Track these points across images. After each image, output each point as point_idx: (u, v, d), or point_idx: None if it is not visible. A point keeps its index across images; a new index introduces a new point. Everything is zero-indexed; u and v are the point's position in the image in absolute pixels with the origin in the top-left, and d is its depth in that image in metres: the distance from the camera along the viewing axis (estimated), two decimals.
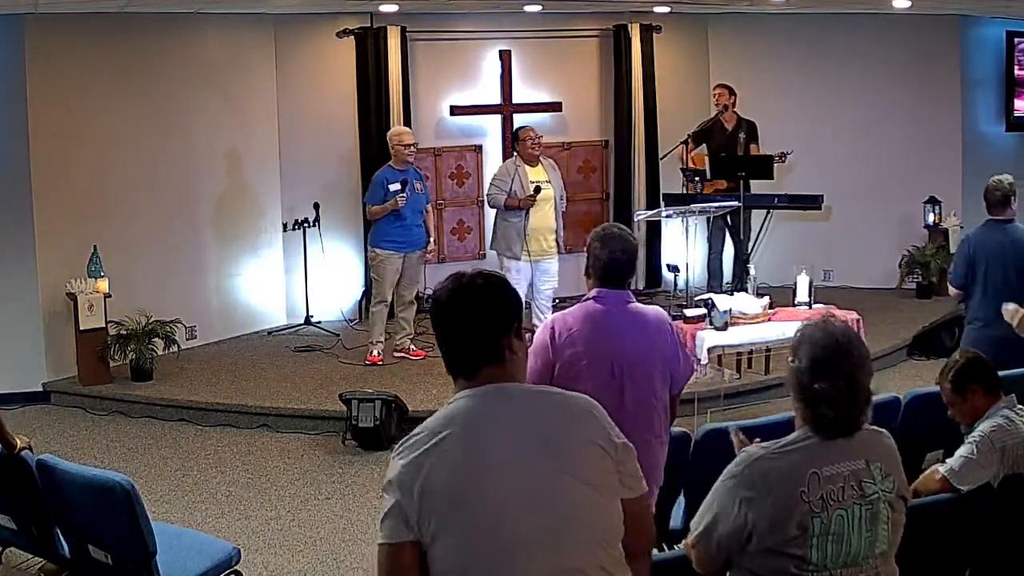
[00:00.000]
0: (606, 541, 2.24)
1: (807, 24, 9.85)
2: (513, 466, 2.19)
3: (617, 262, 3.72)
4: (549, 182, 8.07)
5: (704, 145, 9.02)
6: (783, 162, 8.84)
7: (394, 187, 7.74)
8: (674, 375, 3.84)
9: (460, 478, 2.17)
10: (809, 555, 2.47)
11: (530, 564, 2.15)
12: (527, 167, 7.99)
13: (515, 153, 8.18)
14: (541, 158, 8.09)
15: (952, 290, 5.94)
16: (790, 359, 2.62)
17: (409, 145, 7.90)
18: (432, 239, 8.23)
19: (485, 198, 8.45)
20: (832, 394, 2.50)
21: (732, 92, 8.97)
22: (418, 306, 8.48)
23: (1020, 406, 3.89)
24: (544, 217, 7.96)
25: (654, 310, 3.88)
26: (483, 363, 2.32)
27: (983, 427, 3.81)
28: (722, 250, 9.19)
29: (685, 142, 9.00)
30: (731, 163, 8.71)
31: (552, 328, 3.75)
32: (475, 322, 2.34)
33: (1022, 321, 4.94)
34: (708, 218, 8.88)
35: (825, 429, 2.53)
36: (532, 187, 7.86)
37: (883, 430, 2.66)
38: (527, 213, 7.84)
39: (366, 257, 8.64)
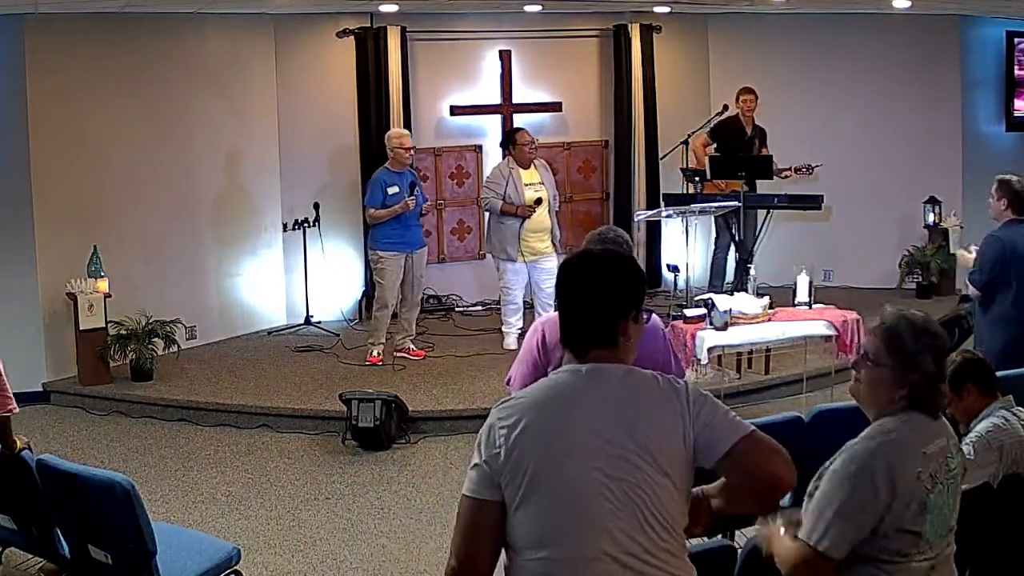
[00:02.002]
0: (673, 528, 2.29)
1: (807, 24, 9.85)
2: (599, 447, 2.24)
3: None
4: (542, 183, 8.10)
5: (715, 144, 9.03)
6: (810, 174, 8.85)
7: (392, 190, 7.74)
8: None
9: (548, 451, 2.23)
10: (925, 531, 2.55)
11: (603, 542, 2.21)
12: (520, 169, 8.01)
13: (508, 155, 8.19)
14: (534, 160, 8.12)
15: (974, 290, 5.75)
16: (894, 353, 2.61)
17: (409, 149, 7.91)
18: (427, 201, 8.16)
19: (479, 201, 8.44)
20: (944, 376, 2.68)
21: (757, 97, 8.98)
22: (420, 307, 8.49)
23: (1018, 407, 3.90)
24: (538, 218, 7.98)
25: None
26: (594, 346, 2.35)
27: (980, 428, 3.82)
28: (728, 248, 9.19)
29: (685, 142, 9.00)
30: (732, 163, 8.71)
31: (541, 332, 3.73)
32: (594, 303, 2.36)
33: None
34: (717, 218, 8.88)
35: (937, 408, 2.65)
36: (527, 191, 7.93)
37: None
38: (521, 217, 7.89)
39: (366, 260, 8.64)
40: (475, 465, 2.28)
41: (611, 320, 2.35)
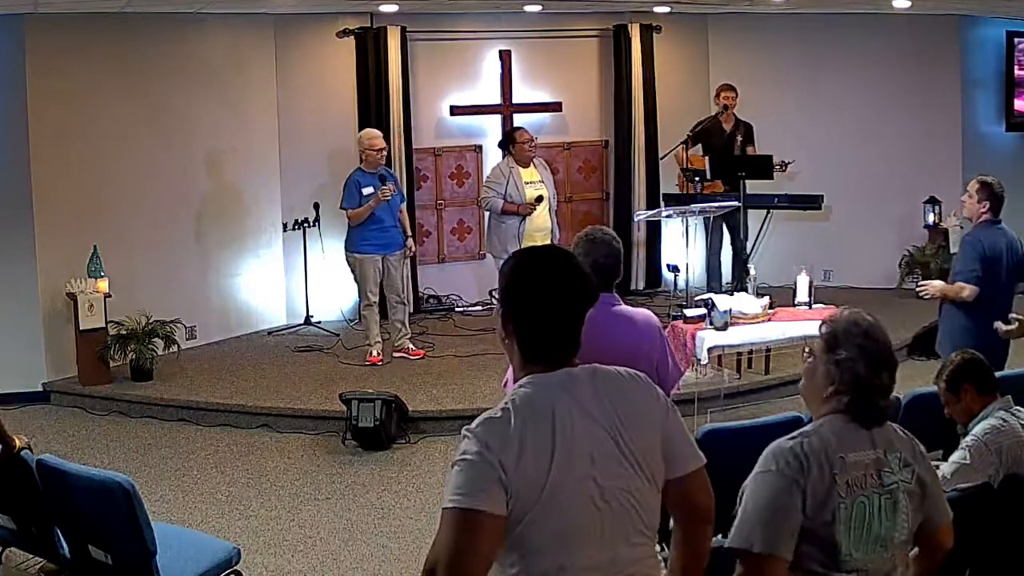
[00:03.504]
0: (654, 531, 2.27)
1: (807, 24, 9.85)
2: (589, 456, 2.17)
3: (601, 266, 3.73)
4: (542, 182, 8.12)
5: (700, 145, 9.02)
6: (784, 171, 8.87)
7: (367, 190, 7.73)
8: (662, 377, 3.84)
9: (541, 463, 2.13)
10: (838, 541, 2.48)
11: (594, 552, 2.17)
12: (520, 168, 8.03)
13: (508, 154, 8.20)
14: (533, 159, 8.13)
15: (971, 289, 5.52)
16: (829, 352, 2.57)
17: (381, 150, 7.90)
18: (410, 237, 8.17)
19: (480, 201, 8.45)
20: (887, 385, 2.57)
21: (736, 93, 8.99)
22: (416, 306, 8.49)
23: (1017, 407, 3.90)
24: (539, 218, 8.00)
25: (642, 313, 3.88)
26: (571, 354, 2.24)
27: (976, 430, 3.83)
28: (720, 249, 9.19)
29: (685, 142, 9.00)
30: (731, 163, 8.72)
31: None
32: (573, 306, 2.22)
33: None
34: (706, 219, 8.89)
35: (870, 419, 2.56)
36: (527, 189, 7.95)
37: (897, 425, 2.68)
38: (522, 215, 7.90)
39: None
40: (470, 479, 2.09)
41: (581, 321, 2.24)
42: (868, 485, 2.51)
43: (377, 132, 8.12)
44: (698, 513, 2.35)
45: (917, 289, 5.96)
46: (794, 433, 2.58)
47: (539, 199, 7.96)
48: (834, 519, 2.47)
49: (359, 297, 8.20)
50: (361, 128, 9.11)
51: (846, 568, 2.50)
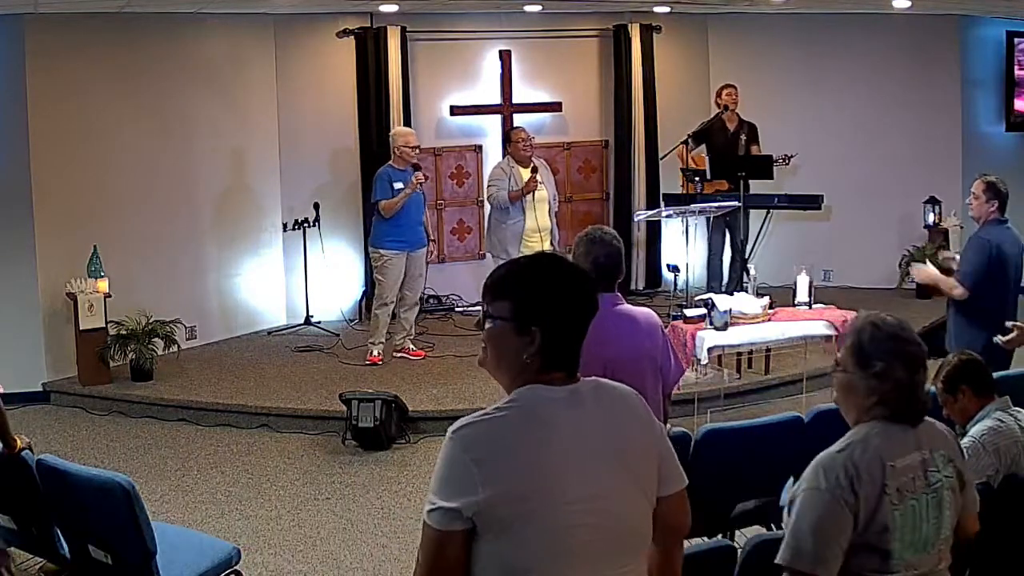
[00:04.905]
0: (642, 552, 2.24)
1: (807, 24, 9.85)
2: (583, 475, 2.11)
3: (601, 266, 3.73)
4: (542, 182, 8.12)
5: (703, 146, 9.02)
6: (787, 164, 8.87)
7: (398, 186, 7.75)
8: (665, 375, 3.86)
9: (529, 483, 2.07)
10: (892, 548, 2.48)
11: (595, 571, 2.12)
12: (520, 168, 8.04)
13: (507, 154, 8.20)
14: (532, 158, 8.14)
15: (962, 291, 5.56)
16: (864, 368, 2.55)
17: (415, 147, 7.93)
18: (432, 237, 8.21)
19: (485, 199, 8.44)
20: (918, 384, 2.53)
21: (736, 90, 9.00)
22: (420, 307, 8.49)
23: (1015, 408, 3.91)
24: (539, 218, 8.00)
25: (644, 311, 3.89)
26: (578, 363, 2.22)
27: (973, 432, 3.83)
28: (722, 250, 9.19)
29: (685, 142, 9.01)
30: (731, 163, 8.72)
31: None
32: (588, 319, 2.21)
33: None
34: (708, 218, 8.89)
35: (915, 417, 2.55)
36: (527, 174, 7.92)
37: (934, 420, 2.66)
38: (523, 215, 7.88)
39: (367, 258, 8.63)
40: (443, 498, 2.05)
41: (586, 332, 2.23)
42: (917, 488, 2.51)
43: (412, 130, 8.21)
44: (678, 532, 2.34)
45: (910, 269, 6.03)
46: (841, 444, 2.55)
47: (534, 168, 7.93)
48: (887, 528, 2.46)
49: (375, 295, 8.16)
50: (361, 128, 9.16)
51: (897, 571, 2.49)
